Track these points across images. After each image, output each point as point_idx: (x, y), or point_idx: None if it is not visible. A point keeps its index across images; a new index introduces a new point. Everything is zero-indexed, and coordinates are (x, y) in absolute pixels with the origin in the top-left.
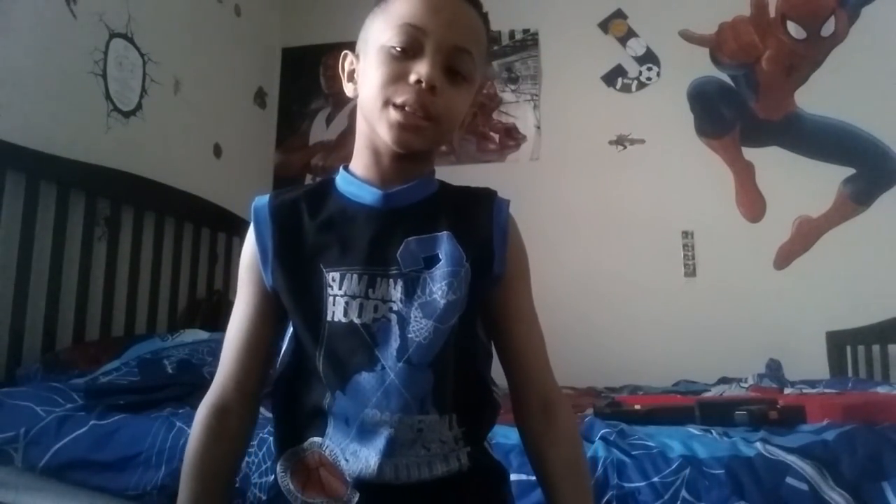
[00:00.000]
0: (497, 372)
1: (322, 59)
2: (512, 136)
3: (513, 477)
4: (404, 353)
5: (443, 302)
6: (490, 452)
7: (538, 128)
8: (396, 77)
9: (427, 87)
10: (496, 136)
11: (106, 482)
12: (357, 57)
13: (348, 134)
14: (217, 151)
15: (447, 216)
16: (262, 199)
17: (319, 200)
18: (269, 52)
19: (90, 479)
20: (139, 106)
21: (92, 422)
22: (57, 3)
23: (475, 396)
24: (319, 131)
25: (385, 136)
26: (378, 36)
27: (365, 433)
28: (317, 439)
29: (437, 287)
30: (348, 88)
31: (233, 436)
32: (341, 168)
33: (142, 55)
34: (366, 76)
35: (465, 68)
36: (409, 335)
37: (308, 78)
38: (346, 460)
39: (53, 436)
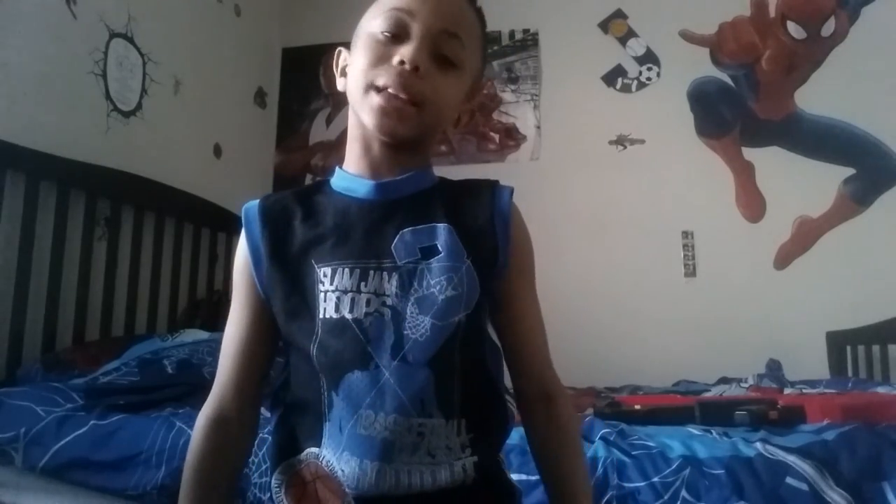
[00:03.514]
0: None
1: (322, 59)
2: (512, 136)
3: (513, 477)
4: (399, 351)
5: (441, 297)
6: (503, 469)
7: (538, 128)
8: (380, 60)
9: (411, 67)
10: (496, 136)
11: (106, 482)
12: (350, 52)
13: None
14: (217, 151)
15: (445, 208)
16: (252, 203)
17: (312, 199)
18: (269, 52)
19: (90, 479)
20: (139, 106)
21: (92, 422)
22: (57, 3)
23: (486, 401)
24: (319, 131)
25: (368, 122)
26: (367, 26)
27: (360, 437)
28: (313, 450)
29: (436, 281)
30: (340, 83)
31: (232, 445)
32: (336, 168)
33: (142, 55)
34: (353, 64)
35: (455, 54)
36: (405, 332)
37: (308, 78)
38: (343, 470)
39: (53, 436)
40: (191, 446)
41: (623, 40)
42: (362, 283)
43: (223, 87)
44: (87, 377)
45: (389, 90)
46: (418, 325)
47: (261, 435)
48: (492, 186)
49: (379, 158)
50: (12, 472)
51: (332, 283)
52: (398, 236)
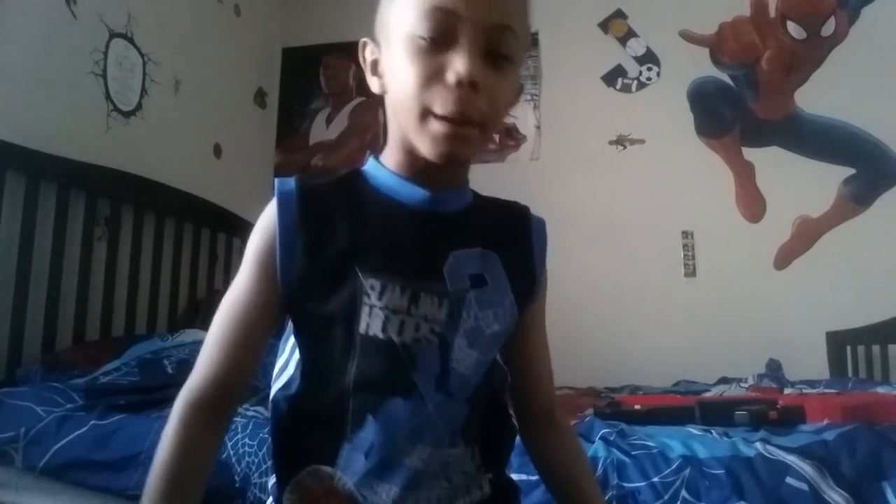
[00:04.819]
0: None
1: (322, 59)
2: (512, 136)
3: (513, 477)
4: (444, 383)
5: (488, 332)
6: (507, 474)
7: (538, 128)
8: (431, 76)
9: (468, 84)
10: (496, 136)
11: (106, 482)
12: (378, 45)
13: (349, 134)
14: (217, 151)
15: (488, 231)
16: (289, 184)
17: (354, 193)
18: (269, 52)
19: (90, 479)
20: (139, 106)
21: (92, 422)
22: (57, 3)
23: (496, 423)
24: (319, 131)
25: (426, 151)
26: (401, 21)
27: (389, 465)
28: (327, 469)
29: (483, 314)
30: (373, 83)
31: (218, 435)
32: (371, 158)
33: (142, 55)
34: (393, 72)
35: (509, 48)
36: (452, 363)
37: (308, 78)
38: (363, 496)
39: (53, 436)
40: (171, 432)
41: (623, 40)
42: (412, 306)
43: (223, 87)
44: (87, 377)
45: (450, 117)
46: (464, 357)
47: (260, 435)
48: (526, 218)
49: (426, 171)
50: (12, 472)
51: (380, 299)
52: (451, 258)
